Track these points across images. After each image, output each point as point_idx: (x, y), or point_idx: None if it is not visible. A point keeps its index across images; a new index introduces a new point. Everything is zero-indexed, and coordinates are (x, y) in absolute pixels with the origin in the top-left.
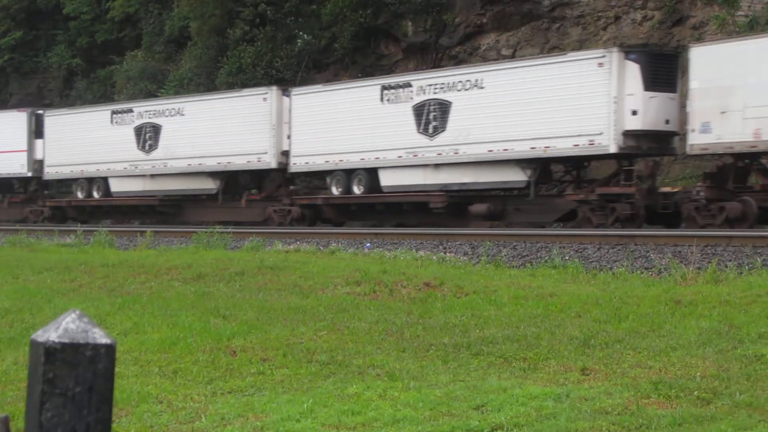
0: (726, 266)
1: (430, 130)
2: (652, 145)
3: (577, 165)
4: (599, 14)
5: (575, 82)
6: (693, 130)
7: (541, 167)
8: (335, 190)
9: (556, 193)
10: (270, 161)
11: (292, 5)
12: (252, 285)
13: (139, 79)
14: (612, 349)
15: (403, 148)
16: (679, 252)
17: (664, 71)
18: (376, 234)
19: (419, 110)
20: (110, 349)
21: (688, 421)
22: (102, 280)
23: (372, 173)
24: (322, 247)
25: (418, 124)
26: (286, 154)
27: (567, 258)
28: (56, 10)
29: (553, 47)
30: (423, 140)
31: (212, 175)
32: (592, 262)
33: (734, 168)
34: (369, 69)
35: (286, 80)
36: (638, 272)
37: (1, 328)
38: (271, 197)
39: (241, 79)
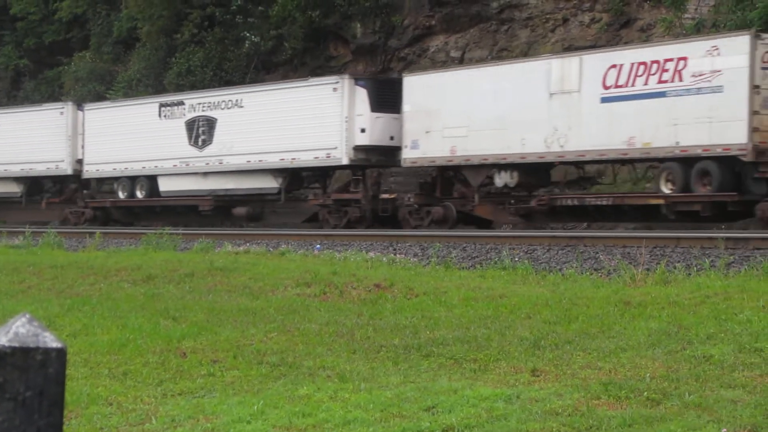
0: (675, 267)
1: (200, 143)
2: (380, 158)
3: (323, 174)
4: (547, 16)
5: (315, 104)
6: (406, 146)
7: (290, 176)
8: (121, 194)
9: (303, 199)
10: (66, 168)
11: (240, 6)
12: (202, 286)
13: (88, 80)
14: (562, 350)
15: (177, 158)
16: (628, 253)
17: (389, 95)
18: (326, 235)
19: (191, 125)
20: (61, 353)
21: (638, 422)
22: (51, 282)
23: (152, 180)
24: (272, 249)
25: (190, 138)
26: (80, 162)
27: (517, 259)
28: (3, 11)
29: (501, 49)
30: (194, 151)
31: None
32: (542, 263)
33: (441, 178)
34: (318, 70)
35: (234, 82)
36: (588, 273)
37: None
38: (68, 200)
39: (190, 81)
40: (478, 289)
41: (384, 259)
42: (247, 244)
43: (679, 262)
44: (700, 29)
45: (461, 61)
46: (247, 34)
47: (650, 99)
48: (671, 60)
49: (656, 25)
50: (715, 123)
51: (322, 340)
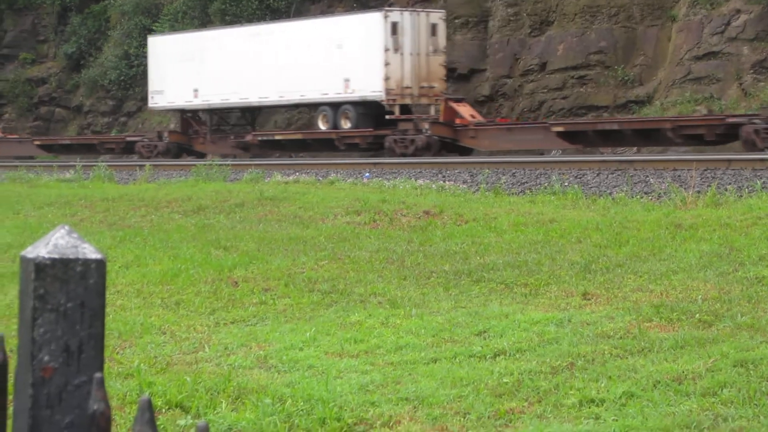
0: (726, 190)
1: None
2: None
3: None
4: None
5: None
6: None
7: None
8: None
9: None
10: None
11: None
12: (252, 216)
13: (133, 14)
14: (613, 273)
15: None
16: (679, 176)
17: None
18: (375, 164)
19: None
20: (100, 264)
21: (689, 344)
22: (102, 215)
23: None
24: (321, 178)
25: None
26: None
27: (566, 184)
28: None
29: None
30: None
31: None
32: (592, 187)
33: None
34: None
35: (280, 11)
36: (638, 197)
37: (4, 263)
38: None
39: (234, 11)
40: (528, 215)
41: (433, 186)
42: (297, 174)
43: (730, 184)
44: None
45: None
46: None
47: None
48: None
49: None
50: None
51: (372, 267)
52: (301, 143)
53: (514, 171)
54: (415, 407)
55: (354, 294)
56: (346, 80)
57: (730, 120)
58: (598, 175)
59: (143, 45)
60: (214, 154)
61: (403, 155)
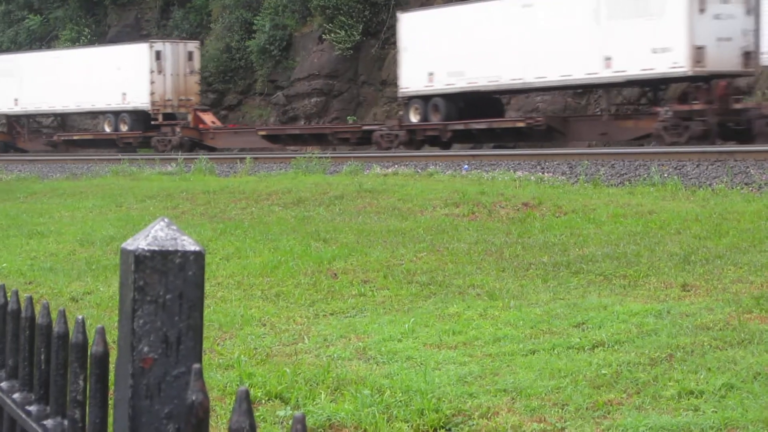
0: None
1: None
2: None
3: None
4: None
5: None
6: None
7: None
8: None
9: None
10: None
11: None
12: (351, 208)
13: (235, 7)
14: (712, 264)
15: None
16: None
17: None
18: (474, 156)
19: None
20: (199, 257)
21: None
22: (203, 207)
23: None
24: (420, 170)
25: None
26: None
27: (666, 175)
28: None
29: None
30: None
31: None
32: (691, 179)
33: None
34: None
35: (379, 5)
36: (738, 188)
37: (108, 255)
38: None
39: (334, 3)
40: (626, 206)
41: (532, 177)
42: (395, 166)
43: None
44: None
45: None
46: None
47: None
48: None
49: None
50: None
51: (471, 259)
52: (91, 142)
53: (613, 162)
54: (513, 398)
55: (452, 286)
56: (124, 94)
57: None
58: (697, 166)
59: (245, 38)
60: (31, 150)
61: (164, 151)
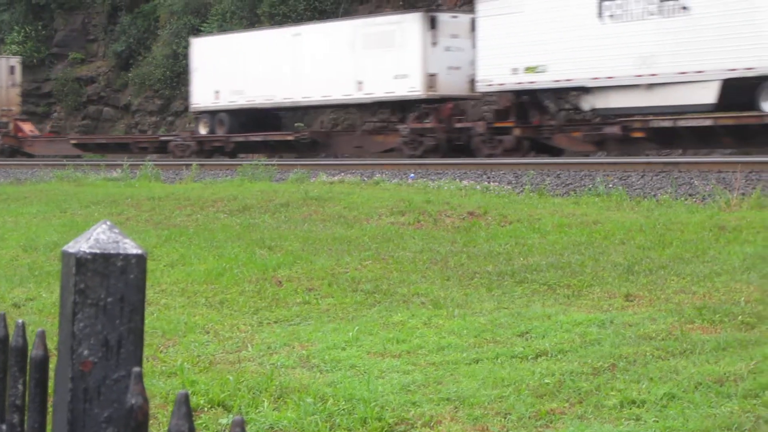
0: None
1: None
2: None
3: None
4: None
5: None
6: None
7: None
8: None
9: None
10: None
11: None
12: (297, 216)
13: (183, 13)
14: (656, 275)
15: None
16: (723, 178)
17: None
18: (419, 164)
19: None
20: (141, 260)
21: (732, 346)
22: (148, 213)
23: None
24: (366, 178)
25: None
26: None
27: (611, 186)
28: None
29: None
30: None
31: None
32: (636, 189)
33: None
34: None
35: (327, 12)
36: (682, 199)
37: (51, 261)
38: None
39: (282, 11)
40: (571, 216)
41: (478, 187)
42: (342, 174)
43: None
44: None
45: None
46: None
47: None
48: None
49: None
50: None
51: (416, 268)
52: None
53: (558, 172)
54: (456, 407)
55: (397, 294)
56: None
57: None
58: (642, 177)
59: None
60: None
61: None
